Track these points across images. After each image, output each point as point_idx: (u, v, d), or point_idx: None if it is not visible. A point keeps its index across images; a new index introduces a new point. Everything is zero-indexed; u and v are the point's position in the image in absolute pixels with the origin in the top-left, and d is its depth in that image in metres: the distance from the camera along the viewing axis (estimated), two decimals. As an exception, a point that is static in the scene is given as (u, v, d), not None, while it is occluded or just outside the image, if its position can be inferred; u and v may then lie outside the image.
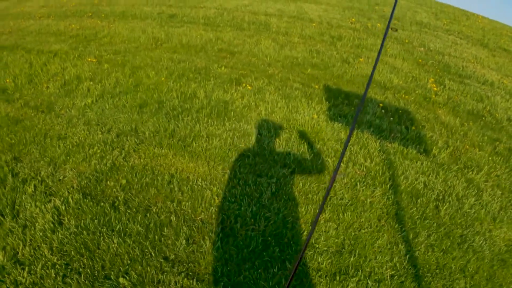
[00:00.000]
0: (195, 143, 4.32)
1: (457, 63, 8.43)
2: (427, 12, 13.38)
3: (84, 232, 2.98)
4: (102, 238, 2.93)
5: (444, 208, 3.59)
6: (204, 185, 3.58)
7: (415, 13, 12.93)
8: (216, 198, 3.42)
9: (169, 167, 3.88)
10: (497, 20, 15.62)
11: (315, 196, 3.51)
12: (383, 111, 5.56)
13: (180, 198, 3.41)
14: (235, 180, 3.67)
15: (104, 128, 4.78)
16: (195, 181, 3.63)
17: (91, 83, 6.39)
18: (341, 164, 4.08)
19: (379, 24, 10.57)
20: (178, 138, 4.43)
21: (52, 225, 3.10)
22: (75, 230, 3.02)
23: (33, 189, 3.59)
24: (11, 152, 4.37)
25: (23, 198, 3.46)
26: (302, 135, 4.63)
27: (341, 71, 7.18)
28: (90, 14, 12.98)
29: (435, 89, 6.73)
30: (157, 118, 4.94)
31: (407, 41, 9.55)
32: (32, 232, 3.03)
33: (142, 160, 4.02)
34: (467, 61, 8.69)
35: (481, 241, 3.26)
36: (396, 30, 10.24)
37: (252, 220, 3.14)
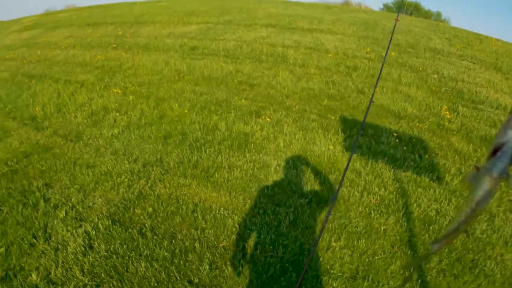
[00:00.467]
0: (218, 174, 4.55)
1: (470, 89, 8.51)
2: (440, 38, 13.48)
3: (114, 256, 3.22)
4: (130, 262, 3.16)
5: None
6: (226, 214, 3.80)
7: (429, 39, 13.05)
8: (237, 226, 3.63)
9: (193, 196, 4.11)
10: (510, 42, 15.60)
11: (331, 225, 3.67)
12: (397, 140, 5.71)
13: (204, 226, 3.63)
14: (255, 210, 3.87)
15: (130, 158, 5.07)
16: (217, 210, 3.85)
17: (118, 114, 6.70)
18: (356, 193, 4.26)
19: (393, 53, 10.74)
20: (201, 169, 4.66)
21: (83, 248, 3.34)
22: (105, 253, 3.26)
23: (64, 214, 3.85)
24: (42, 178, 4.68)
25: (55, 222, 3.73)
26: (319, 166, 4.81)
27: (356, 101, 7.37)
28: (115, 45, 13.48)
29: (449, 116, 6.82)
30: (181, 149, 5.20)
31: (421, 68, 9.69)
32: (64, 254, 3.28)
33: (167, 190, 4.26)
34: (480, 86, 8.76)
35: (493, 265, 3.34)
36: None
37: (271, 247, 3.32)
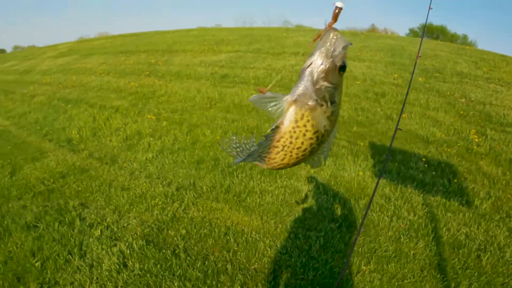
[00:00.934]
0: (249, 199, 4.66)
1: (498, 112, 8.45)
2: (467, 62, 13.40)
3: (148, 275, 3.34)
4: (164, 281, 3.27)
5: (486, 257, 3.67)
6: (257, 238, 3.89)
7: (455, 63, 13.00)
8: (268, 249, 3.71)
9: (225, 220, 4.23)
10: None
11: (361, 249, 3.72)
12: (426, 165, 5.73)
13: (236, 248, 3.73)
14: (286, 234, 3.96)
15: (164, 182, 5.23)
16: (249, 234, 3.95)
17: (151, 139, 6.92)
18: (386, 218, 4.30)
19: (420, 79, 10.74)
20: (234, 194, 4.78)
21: (117, 266, 3.48)
22: (139, 272, 3.39)
23: (99, 233, 4.03)
24: (78, 198, 4.90)
25: (90, 240, 3.90)
26: (349, 191, 4.87)
27: (385, 127, 7.43)
28: (148, 73, 13.88)
29: (477, 140, 6.80)
30: (213, 174, 5.34)
31: (448, 93, 9.67)
32: (99, 271, 3.43)
33: (200, 213, 4.39)
34: (508, 109, 8.67)
35: (524, 290, 3.31)
36: None
37: (302, 270, 3.39)
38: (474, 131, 7.26)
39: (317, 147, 0.77)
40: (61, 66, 19.59)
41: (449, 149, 6.40)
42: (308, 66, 0.80)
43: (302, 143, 0.74)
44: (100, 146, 6.95)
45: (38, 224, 4.30)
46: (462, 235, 4.04)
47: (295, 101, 0.76)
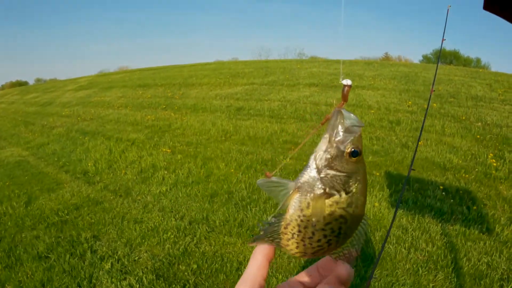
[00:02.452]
0: (263, 233, 4.60)
1: (515, 134, 8.34)
2: (481, 85, 13.29)
3: (157, 310, 3.30)
4: (173, 317, 3.22)
5: (509, 287, 3.56)
6: (270, 273, 3.82)
7: (469, 87, 12.91)
8: (281, 284, 3.65)
9: (238, 254, 4.17)
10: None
11: (377, 283, 3.63)
12: (443, 193, 5.61)
13: (248, 284, 3.67)
14: (300, 269, 3.89)
15: (177, 215, 5.22)
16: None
17: (166, 172, 6.94)
18: (403, 250, 4.20)
19: (435, 104, 10.67)
20: (247, 228, 4.73)
21: None
22: (148, 307, 3.35)
23: (110, 266, 4.01)
24: (90, 230, 4.92)
25: (100, 273, 3.89)
26: (364, 223, 4.79)
27: (401, 156, 7.34)
28: (164, 106, 14.08)
29: (495, 164, 6.66)
30: (227, 208, 5.31)
31: (464, 117, 9.57)
32: None
33: (212, 247, 4.34)
34: (525, 130, 8.56)
35: None
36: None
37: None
38: (491, 155, 7.13)
39: (338, 239, 0.72)
40: (80, 98, 20.03)
41: (467, 175, 6.29)
42: (314, 152, 0.77)
43: (313, 233, 0.70)
44: (115, 179, 6.99)
45: (49, 255, 4.32)
46: (484, 264, 3.92)
47: (299, 188, 0.71)
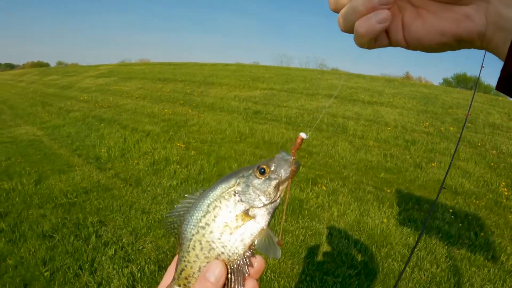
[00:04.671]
0: (269, 237, 4.59)
1: (530, 166, 8.25)
2: (499, 113, 13.16)
3: (156, 303, 3.31)
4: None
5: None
6: (272, 277, 3.81)
7: (488, 114, 12.80)
8: (282, 289, 3.61)
9: (242, 256, 4.17)
10: None
11: (378, 298, 3.62)
12: (452, 216, 5.57)
13: (249, 285, 3.66)
14: (303, 276, 3.86)
15: (186, 210, 5.23)
16: (264, 272, 3.85)
17: (178, 166, 6.96)
18: (407, 268, 4.16)
19: (452, 128, 10.61)
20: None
21: None
22: (146, 297, 3.34)
23: (113, 253, 4.03)
24: (97, 215, 4.95)
25: (103, 258, 3.90)
26: (371, 238, 4.76)
27: (413, 175, 7.30)
28: (182, 102, 14.19)
29: (507, 193, 6.59)
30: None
31: (479, 144, 9.50)
32: None
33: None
34: (540, 163, 8.46)
35: None
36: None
37: (316, 313, 3.30)
38: (504, 183, 7.06)
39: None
40: (100, 86, 20.22)
41: (477, 201, 6.24)
42: None
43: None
44: (127, 168, 7.03)
45: (54, 235, 4.34)
46: (486, 292, 3.88)
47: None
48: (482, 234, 5.12)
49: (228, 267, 0.72)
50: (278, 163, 0.78)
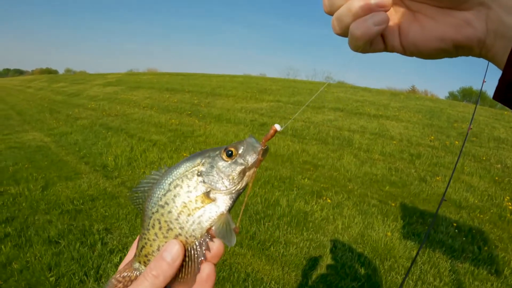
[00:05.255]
0: (273, 248, 4.62)
1: (534, 180, 8.22)
2: (505, 127, 13.11)
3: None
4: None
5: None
6: (277, 288, 3.82)
7: (493, 128, 12.77)
8: (286, 300, 3.63)
9: (246, 266, 4.19)
10: None
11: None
12: (456, 230, 5.58)
13: (253, 296, 3.67)
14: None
15: (191, 220, 5.27)
16: (268, 283, 3.89)
17: (184, 176, 6.99)
18: (411, 282, 4.17)
19: (457, 142, 10.61)
20: (258, 241, 4.75)
21: None
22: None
23: (118, 260, 4.06)
24: (103, 222, 4.99)
25: (108, 266, 3.94)
26: (375, 251, 4.77)
27: (418, 189, 7.31)
28: (189, 112, 14.27)
29: (511, 207, 6.58)
30: (240, 219, 5.31)
31: (484, 158, 9.49)
32: None
33: (222, 256, 4.37)
34: (545, 177, 8.44)
35: None
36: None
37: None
38: (508, 198, 7.06)
39: None
40: (107, 94, 20.36)
41: (481, 215, 6.24)
42: None
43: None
44: (133, 176, 7.07)
45: (60, 241, 4.39)
46: (489, 306, 3.87)
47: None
48: (486, 248, 5.12)
49: (186, 249, 0.69)
50: (247, 148, 0.75)
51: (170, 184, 0.73)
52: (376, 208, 6.18)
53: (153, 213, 0.73)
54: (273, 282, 3.92)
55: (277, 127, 0.76)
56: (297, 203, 6.06)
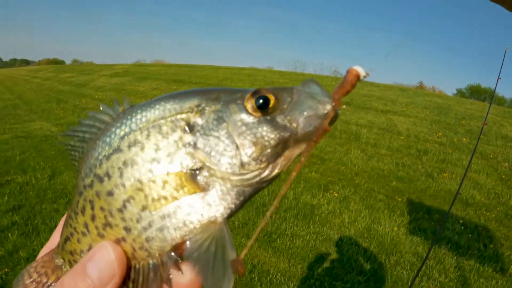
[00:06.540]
0: (280, 240, 4.62)
1: (541, 178, 8.18)
2: (512, 125, 13.10)
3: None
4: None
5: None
6: (282, 280, 3.83)
7: (501, 126, 12.68)
8: (292, 292, 3.63)
9: (253, 257, 4.19)
10: None
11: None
12: (462, 227, 5.57)
13: None
14: (312, 280, 3.89)
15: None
16: (274, 275, 3.89)
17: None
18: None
19: (464, 139, 10.57)
20: (265, 233, 4.75)
21: None
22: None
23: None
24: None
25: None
26: (381, 246, 4.77)
27: (424, 185, 7.30)
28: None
29: (517, 205, 6.61)
30: (247, 211, 5.32)
31: (491, 156, 9.45)
32: None
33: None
34: (552, 176, 8.39)
35: None
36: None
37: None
38: (514, 195, 7.04)
39: None
40: (114, 85, 20.37)
41: (487, 213, 6.22)
42: None
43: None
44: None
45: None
46: (494, 304, 3.86)
47: None
48: (492, 245, 5.11)
49: (133, 263, 0.42)
50: (300, 100, 0.44)
51: (123, 138, 0.44)
52: (383, 203, 6.17)
53: (84, 187, 0.44)
54: (279, 274, 3.92)
55: (360, 70, 0.47)
56: (304, 196, 6.05)
